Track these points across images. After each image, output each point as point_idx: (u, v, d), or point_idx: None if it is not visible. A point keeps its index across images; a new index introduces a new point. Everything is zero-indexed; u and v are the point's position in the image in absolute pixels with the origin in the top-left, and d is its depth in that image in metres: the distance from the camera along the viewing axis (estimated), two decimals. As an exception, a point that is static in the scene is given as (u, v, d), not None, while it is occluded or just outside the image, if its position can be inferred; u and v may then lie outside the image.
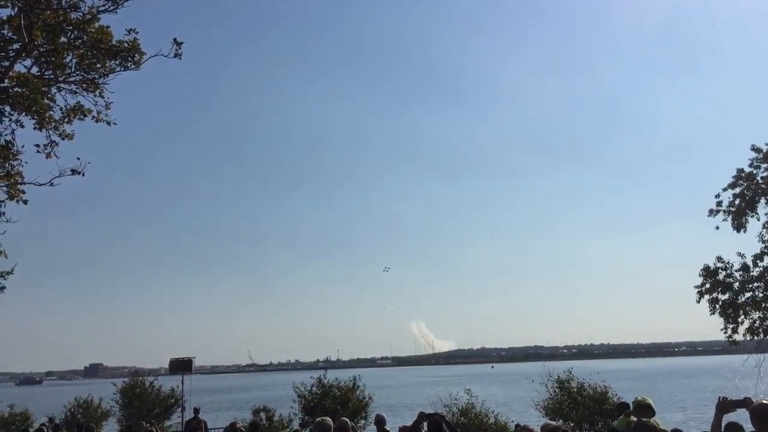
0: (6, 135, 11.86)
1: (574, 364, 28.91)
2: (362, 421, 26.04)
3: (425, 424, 9.44)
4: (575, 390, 25.48)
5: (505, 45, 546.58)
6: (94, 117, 13.11)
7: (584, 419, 24.77)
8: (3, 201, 11.55)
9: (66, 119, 12.85)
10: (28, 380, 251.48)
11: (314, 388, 27.50)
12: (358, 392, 27.47)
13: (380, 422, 12.49)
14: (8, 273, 12.65)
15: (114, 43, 12.43)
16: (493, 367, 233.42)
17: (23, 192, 11.61)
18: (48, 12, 11.25)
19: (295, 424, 26.67)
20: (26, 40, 10.79)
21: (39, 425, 26.22)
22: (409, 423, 16.82)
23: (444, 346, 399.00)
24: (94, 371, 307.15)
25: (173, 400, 31.29)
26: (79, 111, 12.94)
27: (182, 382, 27.76)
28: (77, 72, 12.66)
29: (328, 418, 7.66)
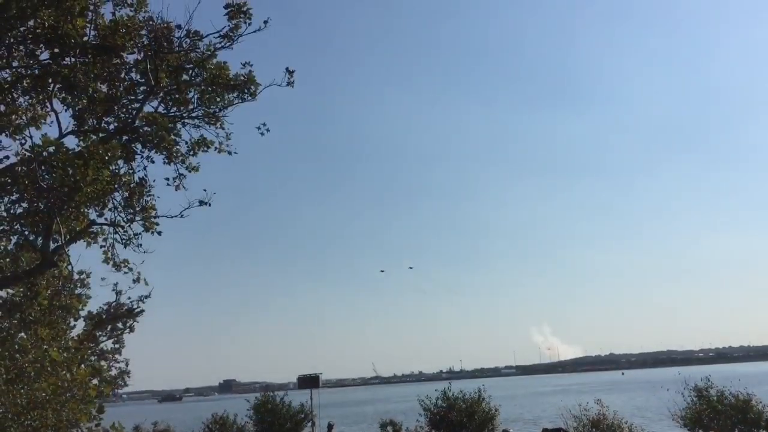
0: (139, 172, 12.74)
1: (711, 369, 27.34)
2: (490, 434, 25.75)
3: None
4: (715, 399, 24.00)
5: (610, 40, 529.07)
6: (216, 148, 13.85)
7: (726, 430, 23.30)
8: (140, 233, 12.41)
9: (191, 152, 13.65)
10: (169, 397, 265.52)
11: (439, 401, 27.45)
12: (483, 404, 27.16)
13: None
14: (146, 297, 13.60)
15: (231, 77, 13.11)
16: (623, 373, 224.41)
17: (157, 224, 12.39)
18: (171, 54, 11.99)
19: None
20: (153, 83, 11.56)
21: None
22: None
23: (570, 352, 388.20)
24: (227, 387, 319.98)
25: (303, 415, 32.09)
26: (202, 144, 13.71)
27: (311, 398, 28.49)
28: (199, 107, 13.43)
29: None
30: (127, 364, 16.14)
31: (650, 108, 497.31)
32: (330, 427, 24.44)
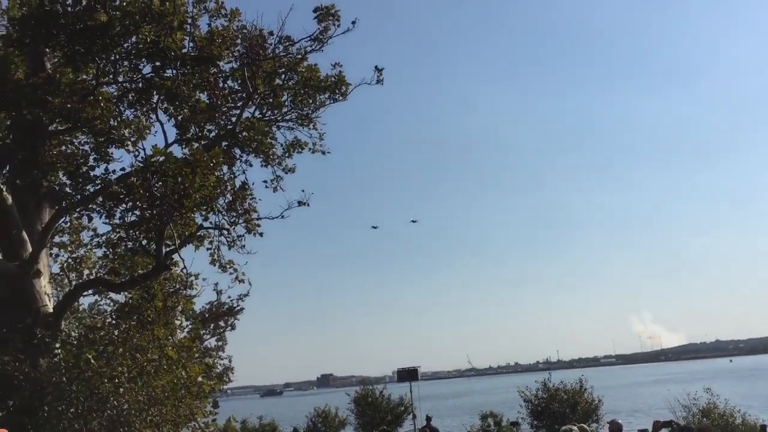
0: (239, 176, 13.26)
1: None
2: (594, 425, 25.20)
3: None
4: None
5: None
6: (310, 149, 14.23)
7: None
8: (243, 235, 12.94)
9: (287, 154, 14.08)
10: (270, 392, 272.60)
11: (540, 392, 27.11)
12: (586, 395, 26.63)
13: (616, 429, 12.05)
14: (245, 296, 14.16)
15: (321, 78, 13.41)
16: (731, 361, 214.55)
17: (259, 225, 12.86)
18: (266, 61, 12.40)
19: (525, 429, 26.47)
20: (251, 90, 12.00)
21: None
22: (643, 427, 16.12)
23: (673, 340, 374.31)
24: (325, 381, 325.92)
25: (402, 408, 32.42)
26: (297, 145, 14.12)
27: (410, 390, 28.72)
28: (292, 110, 13.82)
29: (575, 427, 7.59)
30: (230, 361, 16.71)
31: (737, 81, 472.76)
32: (429, 419, 24.53)
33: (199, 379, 11.67)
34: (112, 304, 15.39)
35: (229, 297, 14.61)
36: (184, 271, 12.80)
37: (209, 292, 16.09)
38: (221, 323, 16.63)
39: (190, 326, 13.33)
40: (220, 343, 17.54)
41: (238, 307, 15.99)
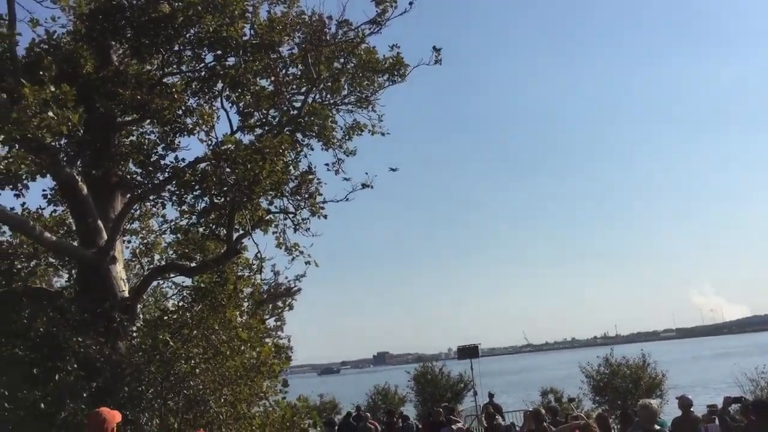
0: (302, 160, 13.50)
1: None
2: (658, 400, 24.90)
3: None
4: None
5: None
6: (369, 131, 14.36)
7: None
8: (308, 218, 13.21)
9: (347, 137, 14.25)
10: (327, 370, 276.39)
11: (601, 367, 26.90)
12: (649, 370, 26.32)
13: (687, 405, 11.89)
14: (302, 276, 14.46)
15: (380, 60, 13.48)
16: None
17: (323, 208, 13.09)
18: (327, 47, 12.54)
19: (587, 405, 26.33)
20: (315, 76, 12.17)
21: (346, 412, 28.80)
22: (711, 402, 15.86)
23: (735, 312, 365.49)
24: (381, 359, 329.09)
25: (462, 385, 32.58)
26: (356, 128, 14.28)
27: (471, 368, 28.85)
28: (351, 93, 13.95)
29: (653, 402, 7.59)
30: (289, 340, 17.02)
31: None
32: (491, 396, 24.61)
33: (269, 359, 11.99)
34: (174, 287, 15.94)
35: (286, 277, 14.89)
36: (259, 254, 13.13)
37: (268, 273, 16.42)
38: (279, 303, 16.92)
39: (251, 308, 13.66)
40: (279, 323, 17.92)
41: (296, 288, 16.26)
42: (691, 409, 11.91)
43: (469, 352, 28.99)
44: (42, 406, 10.19)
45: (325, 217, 13.12)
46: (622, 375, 26.09)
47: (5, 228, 12.55)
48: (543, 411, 12.50)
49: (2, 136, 9.12)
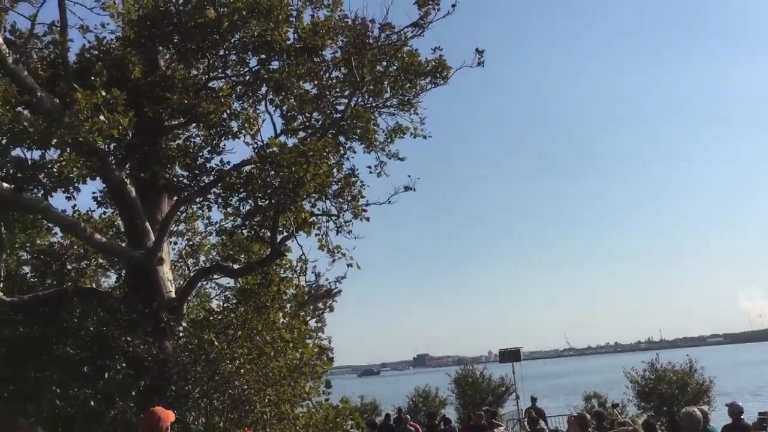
0: (345, 163, 13.58)
1: None
2: (705, 407, 24.36)
3: None
4: None
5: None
6: (411, 133, 14.38)
7: None
8: (350, 221, 13.28)
9: (389, 140, 14.29)
10: (367, 372, 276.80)
11: (647, 373, 26.44)
12: (696, 375, 25.77)
13: (737, 412, 11.62)
14: (342, 277, 14.51)
15: (422, 63, 13.48)
16: None
17: (365, 210, 13.14)
18: (370, 50, 12.60)
19: (631, 411, 25.92)
20: (359, 80, 12.25)
21: (385, 414, 28.80)
22: (763, 410, 15.46)
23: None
24: (421, 361, 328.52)
25: (504, 388, 32.35)
26: (398, 131, 14.31)
27: (513, 371, 28.67)
28: (393, 96, 13.99)
29: (697, 410, 7.44)
30: (329, 342, 17.10)
31: None
32: (534, 400, 24.38)
33: (312, 360, 12.08)
34: (216, 288, 16.15)
35: (327, 279, 14.97)
36: (303, 256, 13.24)
37: (308, 274, 16.53)
38: (320, 305, 16.99)
39: (293, 309, 13.77)
40: (319, 325, 18.01)
41: (336, 289, 16.32)
42: (742, 417, 11.65)
43: (511, 355, 28.82)
44: (92, 403, 10.44)
45: (368, 219, 13.17)
46: (668, 380, 25.61)
47: (57, 229, 12.89)
48: (588, 416, 12.34)
49: (55, 140, 9.36)
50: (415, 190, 13.07)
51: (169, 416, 5.55)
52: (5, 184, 9.84)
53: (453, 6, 12.45)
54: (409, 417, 26.13)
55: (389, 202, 13.14)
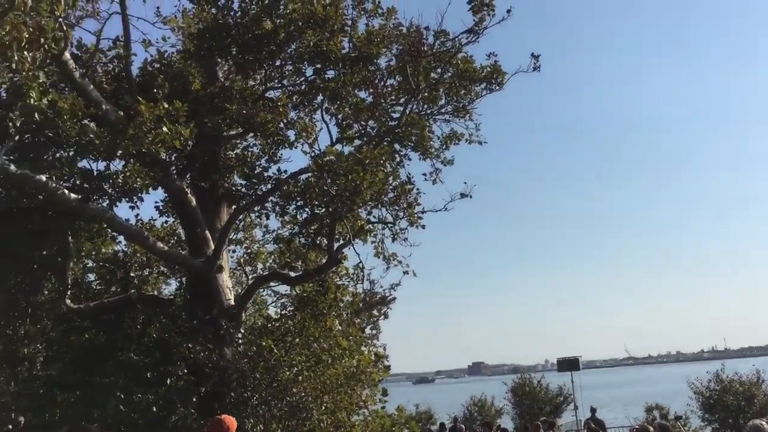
0: (400, 170, 13.56)
1: None
2: (775, 420, 23.46)
3: None
4: None
5: None
6: (466, 140, 14.26)
7: None
8: (406, 228, 13.26)
9: (444, 146, 14.21)
10: (422, 379, 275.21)
11: (712, 383, 25.62)
12: (764, 387, 24.85)
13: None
14: (397, 285, 14.49)
15: (477, 69, 13.38)
16: None
17: (421, 218, 13.11)
18: (425, 58, 12.59)
19: (695, 423, 25.14)
20: (414, 87, 12.25)
21: (440, 423, 28.56)
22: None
23: None
24: (476, 369, 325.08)
25: (561, 398, 31.71)
26: (453, 137, 14.21)
27: (572, 381, 28.07)
28: (448, 102, 13.92)
29: (765, 423, 7.16)
30: (384, 349, 17.07)
31: None
32: (593, 411, 23.85)
33: (368, 368, 12.06)
34: (273, 295, 16.31)
35: (381, 286, 14.97)
36: (360, 264, 13.28)
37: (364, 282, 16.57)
38: (375, 312, 16.98)
39: (349, 316, 13.80)
40: (374, 332, 18.01)
41: (391, 297, 16.29)
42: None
43: (569, 364, 28.22)
44: (154, 409, 10.66)
45: (423, 227, 13.13)
46: (734, 392, 24.75)
47: (121, 238, 13.24)
48: (651, 428, 11.99)
49: (120, 151, 9.63)
50: (471, 197, 12.98)
51: (234, 424, 5.62)
52: (72, 195, 10.17)
53: (508, 11, 12.31)
54: (464, 427, 25.87)
55: (445, 209, 13.10)
